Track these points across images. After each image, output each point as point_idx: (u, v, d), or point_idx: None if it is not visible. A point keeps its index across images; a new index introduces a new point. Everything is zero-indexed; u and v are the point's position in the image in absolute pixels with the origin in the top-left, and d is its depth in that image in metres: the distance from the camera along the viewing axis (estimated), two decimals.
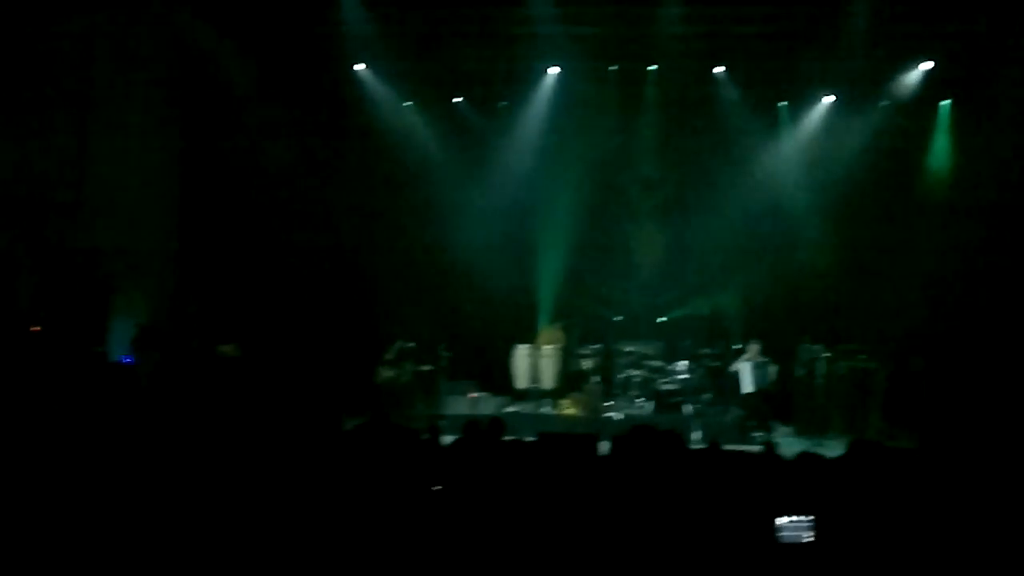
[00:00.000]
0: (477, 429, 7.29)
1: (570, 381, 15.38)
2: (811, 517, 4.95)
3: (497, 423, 7.89)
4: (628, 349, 15.64)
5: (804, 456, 5.63)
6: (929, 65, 14.92)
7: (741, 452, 7.10)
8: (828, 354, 14.64)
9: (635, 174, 16.93)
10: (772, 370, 14.56)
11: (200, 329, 14.46)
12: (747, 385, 14.43)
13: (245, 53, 14.88)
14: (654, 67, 15.69)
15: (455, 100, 16.40)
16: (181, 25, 14.57)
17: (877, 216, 15.82)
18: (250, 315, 14.78)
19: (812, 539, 4.92)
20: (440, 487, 5.63)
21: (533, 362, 15.34)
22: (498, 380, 15.63)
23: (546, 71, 15.83)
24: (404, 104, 16.32)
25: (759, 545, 4.98)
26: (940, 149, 15.75)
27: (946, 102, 15.64)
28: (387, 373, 14.76)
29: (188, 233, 15.39)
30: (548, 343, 15.54)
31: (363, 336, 15.42)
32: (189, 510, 5.24)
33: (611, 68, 15.69)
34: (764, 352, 14.68)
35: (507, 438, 7.68)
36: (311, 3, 14.44)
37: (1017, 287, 14.61)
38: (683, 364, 15.13)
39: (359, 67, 15.67)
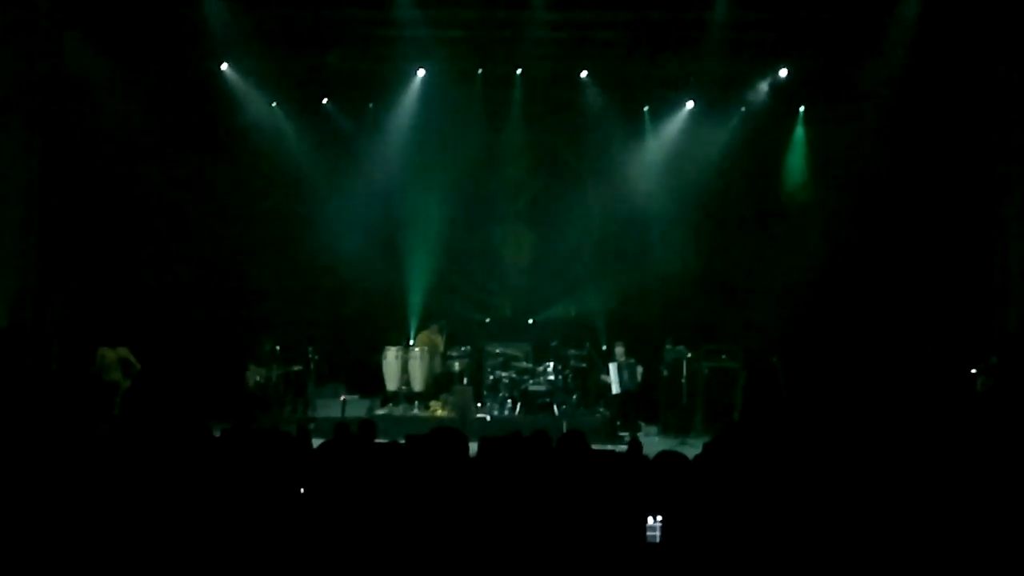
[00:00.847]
0: (347, 432, 7.32)
1: (440, 383, 15.48)
2: (660, 517, 5.13)
3: (368, 425, 7.93)
4: (497, 351, 15.80)
5: (664, 455, 5.83)
6: (784, 72, 15.50)
7: (607, 451, 7.29)
8: (691, 355, 15.05)
9: (502, 177, 17.09)
10: (638, 371, 14.91)
11: (61, 333, 14.06)
12: (614, 386, 14.74)
13: (100, 51, 14.46)
14: (520, 70, 15.91)
15: (323, 102, 16.33)
16: (34, 31, 14.06)
17: (736, 220, 16.35)
18: (117, 319, 14.38)
19: (662, 538, 5.10)
20: (307, 490, 5.64)
21: (403, 364, 15.36)
22: (368, 382, 15.60)
23: (414, 73, 15.89)
24: (272, 105, 16.18)
25: (624, 543, 5.14)
26: (796, 155, 16.34)
27: (802, 108, 16.25)
28: (256, 376, 14.60)
29: (50, 235, 14.83)
30: (420, 345, 15.60)
31: (232, 340, 15.19)
32: (52, 517, 5.15)
33: (478, 71, 15.86)
34: (629, 353, 15.03)
35: (378, 440, 7.74)
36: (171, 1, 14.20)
37: (868, 288, 15.28)
38: (551, 365, 15.36)
39: (224, 67, 15.47)
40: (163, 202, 15.38)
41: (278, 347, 14.88)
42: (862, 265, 15.34)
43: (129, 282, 15.16)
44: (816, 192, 15.94)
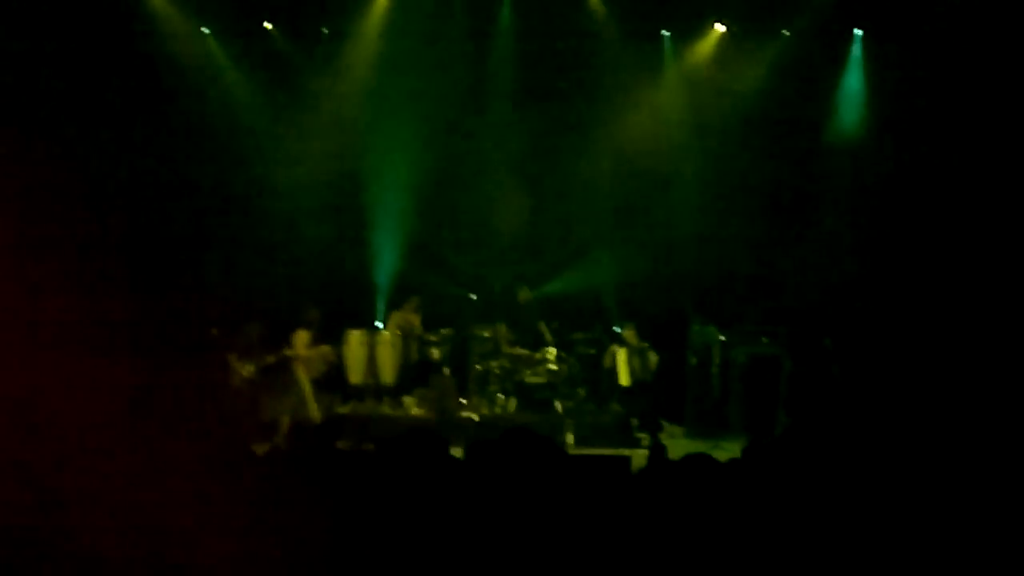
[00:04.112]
0: (303, 434, 7.24)
1: (415, 374, 15.42)
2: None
3: (331, 426, 7.84)
4: (486, 334, 15.72)
5: (691, 459, 5.77)
6: None
7: (621, 457, 7.23)
8: (723, 338, 15.00)
9: (488, 119, 16.93)
10: (652, 359, 14.86)
11: None
12: (623, 376, 14.70)
13: None
14: None
15: (265, 27, 16.16)
16: None
17: (776, 168, 16.14)
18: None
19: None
20: (252, 506, 5.59)
21: (369, 351, 15.28)
22: (327, 374, 15.53)
23: None
24: (202, 32, 16.01)
25: (647, 568, 5.10)
26: (850, 88, 16.23)
27: (859, 31, 16.12)
28: (243, 370, 14.58)
29: None
30: (390, 328, 15.54)
31: (146, 324, 15.07)
32: None
33: None
34: (642, 336, 14.97)
35: (339, 445, 7.66)
36: None
37: (939, 249, 15.13)
38: (551, 351, 15.30)
39: None
40: (66, 157, 15.18)
41: (214, 331, 14.79)
42: (927, 233, 15.20)
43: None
44: (872, 133, 15.83)
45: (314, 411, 13.97)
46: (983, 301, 14.38)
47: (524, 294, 16.00)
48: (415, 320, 15.76)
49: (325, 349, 14.55)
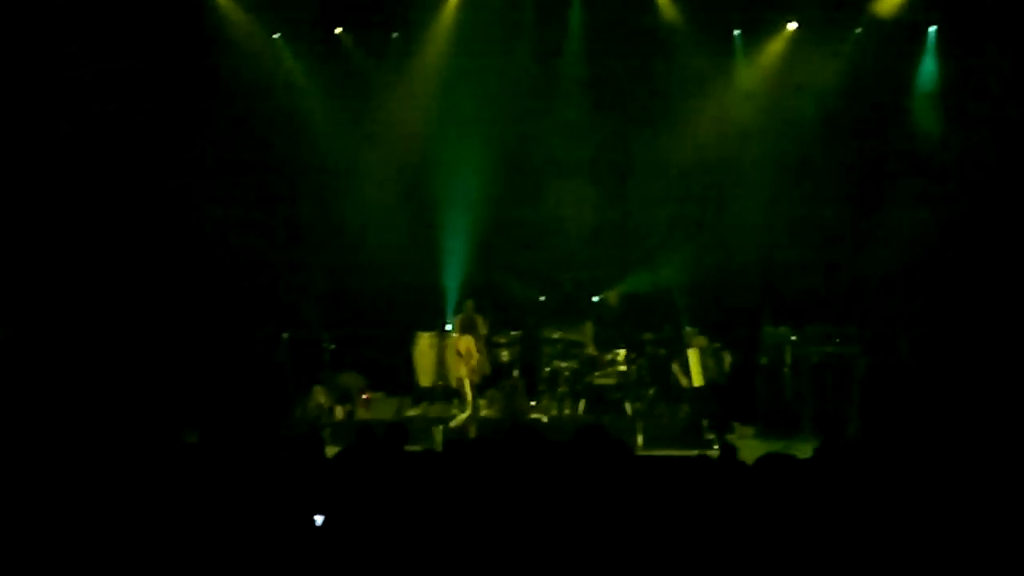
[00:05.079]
0: (372, 437, 7.24)
1: (485, 376, 15.40)
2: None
3: (398, 429, 7.83)
4: (555, 336, 15.68)
5: (768, 458, 5.71)
6: None
7: (695, 458, 7.14)
8: (796, 338, 14.84)
9: (558, 120, 16.84)
10: (725, 358, 14.73)
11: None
12: (696, 377, 14.58)
13: None
14: None
15: (335, 31, 16.22)
16: None
17: (851, 167, 16.02)
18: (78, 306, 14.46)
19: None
20: (323, 515, 5.58)
21: (439, 354, 15.30)
22: (397, 377, 15.57)
23: None
24: (272, 37, 16.12)
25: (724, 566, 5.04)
26: (926, 84, 15.99)
27: (933, 28, 15.86)
28: (321, 399, 14.79)
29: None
30: (459, 330, 15.55)
31: (222, 328, 15.21)
32: None
33: None
34: (714, 337, 14.84)
35: (410, 448, 7.65)
36: None
37: (1015, 247, 14.87)
38: (621, 353, 15.20)
39: None
40: (141, 161, 15.34)
41: (286, 334, 14.92)
42: (1003, 232, 14.95)
43: (103, 265, 15.10)
44: (949, 130, 15.58)
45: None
46: None
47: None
48: (478, 321, 15.70)
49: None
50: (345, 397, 14.95)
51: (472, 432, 13.94)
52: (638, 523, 5.29)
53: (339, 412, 14.68)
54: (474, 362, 14.50)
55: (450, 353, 15.23)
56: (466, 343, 14.47)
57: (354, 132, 16.32)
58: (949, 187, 15.32)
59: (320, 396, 14.73)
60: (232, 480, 5.81)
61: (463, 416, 14.40)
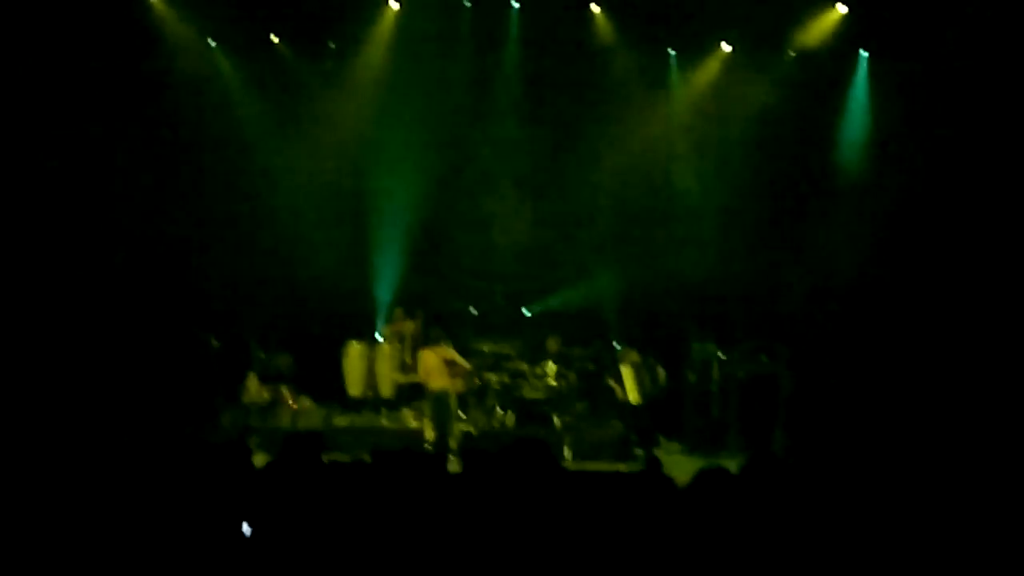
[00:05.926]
0: (299, 446, 7.18)
1: (414, 387, 15.33)
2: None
3: (316, 438, 7.77)
4: (485, 348, 15.67)
5: (703, 474, 5.71)
6: (844, 9, 15.31)
7: (620, 473, 7.18)
8: (723, 355, 14.93)
9: (492, 133, 16.89)
10: (660, 373, 14.80)
11: None
12: (631, 394, 14.62)
13: None
14: (516, 2, 15.75)
15: (271, 38, 16.13)
16: None
17: (780, 188, 16.16)
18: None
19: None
20: (248, 526, 5.54)
21: (369, 364, 15.23)
22: (325, 385, 15.48)
23: (385, 4, 15.73)
24: (208, 43, 16.01)
25: None
26: (855, 108, 16.19)
27: (864, 53, 16.07)
28: (256, 390, 14.65)
29: None
30: (389, 340, 15.49)
31: (148, 334, 15.02)
32: None
33: (465, 1, 15.70)
34: (646, 354, 14.91)
35: (338, 457, 7.60)
36: None
37: (934, 279, 14.99)
38: (551, 367, 15.22)
39: None
40: (72, 162, 15.10)
41: (215, 343, 14.80)
42: (927, 252, 15.09)
43: (44, 266, 14.84)
44: (875, 153, 15.78)
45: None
46: (984, 318, 14.32)
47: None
48: (408, 331, 15.63)
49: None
50: (278, 377, 14.83)
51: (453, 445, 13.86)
52: (567, 537, 5.28)
53: (267, 394, 14.60)
54: (461, 371, 14.32)
55: (428, 364, 14.92)
56: (449, 354, 14.22)
57: (288, 138, 16.23)
58: (873, 209, 15.49)
59: (253, 385, 14.61)
60: (158, 486, 5.74)
61: (458, 426, 14.35)
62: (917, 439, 12.15)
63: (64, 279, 14.83)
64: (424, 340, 15.01)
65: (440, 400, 13.92)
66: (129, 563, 5.18)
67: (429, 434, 13.89)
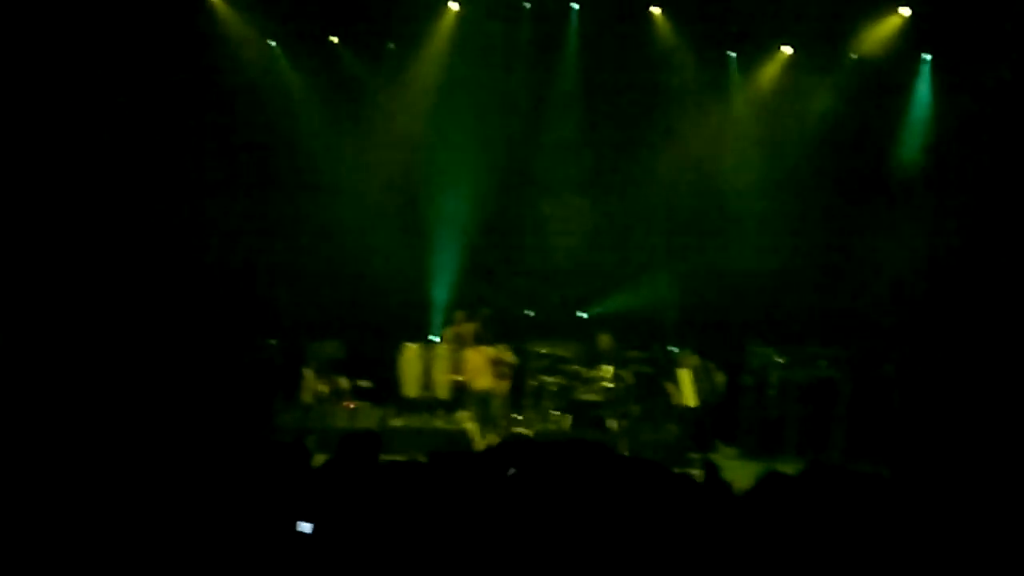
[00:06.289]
0: (356, 445, 7.20)
1: (471, 390, 15.35)
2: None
3: (374, 438, 7.80)
4: (541, 351, 15.62)
5: (762, 479, 5.67)
6: (907, 12, 15.16)
7: (680, 475, 7.12)
8: (782, 359, 14.84)
9: (551, 136, 16.85)
10: (719, 379, 14.73)
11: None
12: (689, 398, 14.55)
13: None
14: (576, 4, 15.72)
15: (331, 39, 16.21)
16: None
17: (840, 191, 16.03)
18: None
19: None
20: (310, 524, 5.56)
21: (425, 365, 15.26)
22: (381, 386, 15.53)
23: (445, 5, 15.77)
24: (267, 44, 16.10)
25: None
26: (918, 112, 16.03)
27: (927, 56, 15.90)
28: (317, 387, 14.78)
29: None
30: (447, 342, 15.51)
31: (211, 333, 15.13)
32: None
33: (524, 3, 15.69)
34: (705, 357, 14.84)
35: (392, 458, 7.61)
36: None
37: (1008, 279, 14.87)
38: (608, 370, 15.19)
39: None
40: (134, 164, 15.25)
41: (272, 341, 14.91)
42: (991, 257, 14.90)
43: (92, 265, 14.98)
44: (939, 158, 15.62)
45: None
46: None
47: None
48: (467, 332, 15.64)
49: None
50: (333, 368, 15.00)
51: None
52: (622, 532, 5.26)
53: (324, 386, 14.72)
54: (507, 370, 14.40)
55: (473, 364, 15.03)
56: (496, 352, 14.28)
57: (347, 141, 16.31)
58: (939, 211, 15.34)
59: (310, 378, 14.73)
60: (219, 486, 5.77)
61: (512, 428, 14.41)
62: (978, 446, 11.99)
63: (126, 281, 14.98)
64: (478, 341, 15.06)
65: (484, 401, 13.99)
66: (189, 564, 5.21)
67: (475, 434, 13.93)
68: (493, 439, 13.70)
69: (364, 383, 15.16)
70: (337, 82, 16.33)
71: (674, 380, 14.79)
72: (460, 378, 14.99)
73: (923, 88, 15.98)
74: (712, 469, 7.69)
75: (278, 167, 16.23)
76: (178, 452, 6.63)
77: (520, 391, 15.28)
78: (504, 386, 14.44)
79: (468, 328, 15.58)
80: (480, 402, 14.20)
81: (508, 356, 14.41)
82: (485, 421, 14.32)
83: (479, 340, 14.92)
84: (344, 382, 14.94)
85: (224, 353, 14.91)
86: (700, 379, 14.54)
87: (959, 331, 14.73)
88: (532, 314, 16.61)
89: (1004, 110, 14.70)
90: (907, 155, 16.04)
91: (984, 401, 13.54)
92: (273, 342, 15.01)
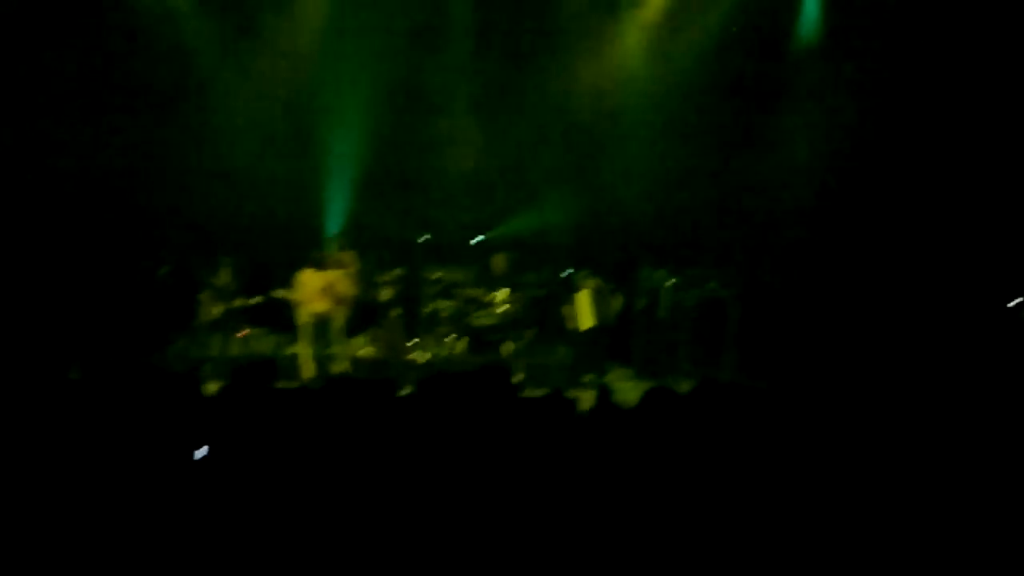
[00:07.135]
0: (250, 374, 7.21)
1: (365, 314, 15.36)
2: None
3: (269, 366, 7.81)
4: (436, 276, 15.65)
5: (651, 395, 5.78)
6: None
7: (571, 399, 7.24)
8: (673, 281, 15.05)
9: (444, 57, 16.74)
10: (615, 302, 14.88)
11: None
12: (585, 319, 14.69)
13: None
14: None
15: None
16: None
17: (734, 112, 16.11)
18: None
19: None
20: (204, 449, 5.57)
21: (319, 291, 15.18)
22: (275, 313, 15.43)
23: None
24: None
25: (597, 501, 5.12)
26: (807, 23, 16.15)
27: None
28: (213, 307, 14.58)
29: None
30: (338, 268, 15.44)
31: (91, 259, 14.90)
32: None
33: None
34: (601, 279, 14.97)
35: (286, 385, 7.65)
36: None
37: (896, 198, 15.12)
38: (503, 294, 15.29)
39: None
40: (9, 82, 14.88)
41: (164, 268, 14.74)
42: (881, 176, 15.21)
43: None
44: (835, 70, 15.77)
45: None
46: (941, 242, 14.44)
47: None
48: (347, 259, 15.51)
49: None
50: (229, 294, 14.85)
51: (342, 368, 13.94)
52: (518, 460, 5.35)
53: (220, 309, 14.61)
54: (337, 297, 14.22)
55: (310, 287, 14.94)
56: (330, 278, 14.11)
57: (234, 58, 16.00)
58: (831, 128, 15.51)
59: (207, 302, 14.58)
60: (113, 416, 5.75)
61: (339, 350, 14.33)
62: (865, 367, 12.28)
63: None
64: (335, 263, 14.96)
65: (319, 326, 14.06)
66: (86, 491, 5.19)
67: (306, 360, 14.03)
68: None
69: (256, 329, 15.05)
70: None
71: (570, 303, 14.91)
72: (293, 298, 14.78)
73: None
74: (604, 391, 7.84)
75: (160, 85, 15.81)
76: (68, 380, 6.59)
77: (415, 316, 15.31)
78: (340, 311, 14.26)
79: (346, 256, 15.49)
80: (315, 327, 14.16)
81: (343, 286, 14.23)
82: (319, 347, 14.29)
83: (336, 266, 14.76)
84: (240, 303, 14.75)
85: (113, 282, 14.73)
86: (597, 301, 14.66)
87: (850, 251, 15.02)
88: (424, 238, 16.54)
89: (895, 14, 14.93)
90: (799, 70, 16.16)
91: (868, 313, 13.91)
92: (166, 269, 14.81)
